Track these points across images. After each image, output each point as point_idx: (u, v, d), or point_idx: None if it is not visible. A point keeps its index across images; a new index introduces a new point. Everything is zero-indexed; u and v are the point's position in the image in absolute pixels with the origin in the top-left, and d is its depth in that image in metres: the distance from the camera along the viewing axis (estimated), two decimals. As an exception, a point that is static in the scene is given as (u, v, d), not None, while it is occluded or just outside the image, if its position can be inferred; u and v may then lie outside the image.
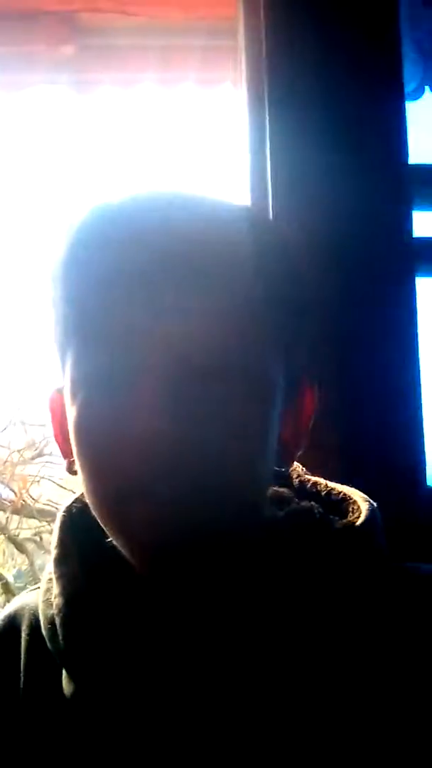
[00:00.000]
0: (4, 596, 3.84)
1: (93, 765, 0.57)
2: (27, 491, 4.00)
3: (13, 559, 4.39)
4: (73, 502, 0.67)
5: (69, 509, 0.66)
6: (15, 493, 4.07)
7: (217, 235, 0.56)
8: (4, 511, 3.96)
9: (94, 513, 0.58)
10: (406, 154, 1.03)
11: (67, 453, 0.60)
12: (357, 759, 0.55)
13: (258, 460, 0.57)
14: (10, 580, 4.02)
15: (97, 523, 0.58)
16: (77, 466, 0.58)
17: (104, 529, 0.58)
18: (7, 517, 3.94)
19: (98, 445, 0.56)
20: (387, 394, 1.00)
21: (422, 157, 1.06)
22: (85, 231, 0.58)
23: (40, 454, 4.16)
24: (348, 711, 0.56)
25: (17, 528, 3.98)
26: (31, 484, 4.05)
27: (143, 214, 0.56)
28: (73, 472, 0.60)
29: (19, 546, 3.94)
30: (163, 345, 0.54)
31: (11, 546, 4.17)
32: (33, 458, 4.22)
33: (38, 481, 4.08)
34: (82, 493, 0.63)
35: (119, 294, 0.55)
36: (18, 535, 4.00)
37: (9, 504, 3.96)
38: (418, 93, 1.26)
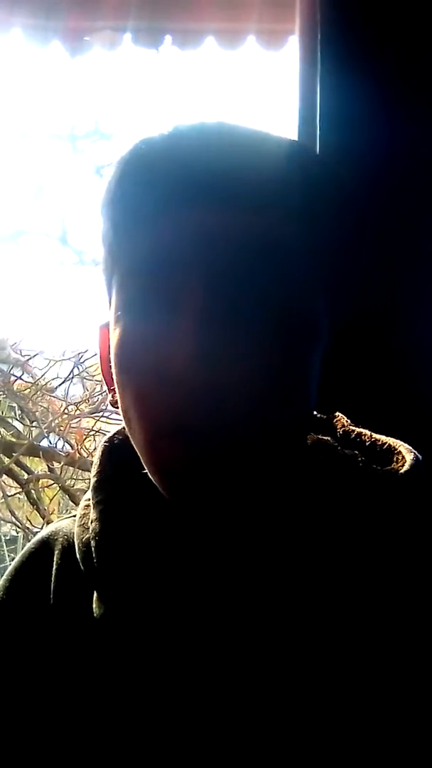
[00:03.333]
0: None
1: (118, 686, 0.58)
2: (82, 444, 4.07)
3: (66, 509, 4.50)
4: (116, 434, 0.68)
5: (111, 440, 0.68)
6: (71, 446, 4.14)
7: (262, 165, 0.56)
8: (59, 462, 4.05)
9: (132, 441, 0.59)
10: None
11: (111, 386, 0.61)
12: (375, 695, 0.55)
13: (293, 402, 0.57)
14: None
15: (136, 453, 0.59)
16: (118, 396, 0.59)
17: (140, 458, 0.58)
18: (62, 468, 4.02)
19: (135, 372, 0.57)
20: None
21: None
22: (130, 163, 0.58)
23: (96, 410, 4.22)
24: (366, 652, 0.56)
25: (71, 479, 4.06)
26: (86, 437, 4.12)
27: (187, 145, 0.56)
28: (116, 405, 0.60)
29: (72, 497, 4.02)
30: (203, 275, 0.54)
31: (66, 497, 4.26)
32: (90, 413, 4.28)
33: (93, 435, 4.14)
34: (123, 427, 0.65)
35: (163, 222, 0.55)
36: (73, 486, 4.08)
37: (64, 455, 4.04)
38: None
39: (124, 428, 0.66)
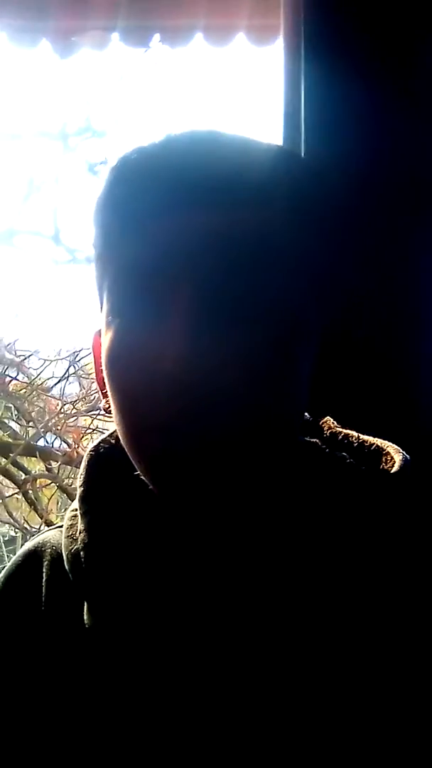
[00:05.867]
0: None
1: (111, 695, 0.58)
2: (80, 443, 4.07)
3: (64, 508, 4.50)
4: (101, 442, 0.68)
5: (96, 448, 0.68)
6: (68, 445, 4.15)
7: (250, 170, 0.57)
8: (56, 461, 4.05)
9: (122, 442, 0.59)
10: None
11: (105, 391, 0.61)
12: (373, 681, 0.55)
13: (282, 402, 0.57)
14: (62, 527, 4.10)
15: (126, 459, 0.59)
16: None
17: (131, 460, 0.59)
18: (59, 467, 4.02)
19: (126, 372, 0.57)
20: (425, 348, 0.98)
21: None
22: (120, 170, 0.59)
23: (93, 408, 4.22)
24: (353, 641, 0.56)
25: (69, 477, 4.07)
26: (83, 436, 4.12)
27: (177, 151, 0.58)
28: (109, 411, 0.61)
29: (71, 496, 4.02)
30: (193, 276, 0.55)
31: (63, 496, 4.27)
32: (87, 411, 4.28)
33: (91, 434, 4.15)
34: (110, 434, 0.66)
35: (151, 224, 0.56)
36: (71, 485, 4.09)
37: (61, 455, 4.04)
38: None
39: (108, 436, 0.67)
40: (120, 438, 0.60)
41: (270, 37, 1.59)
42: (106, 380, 0.59)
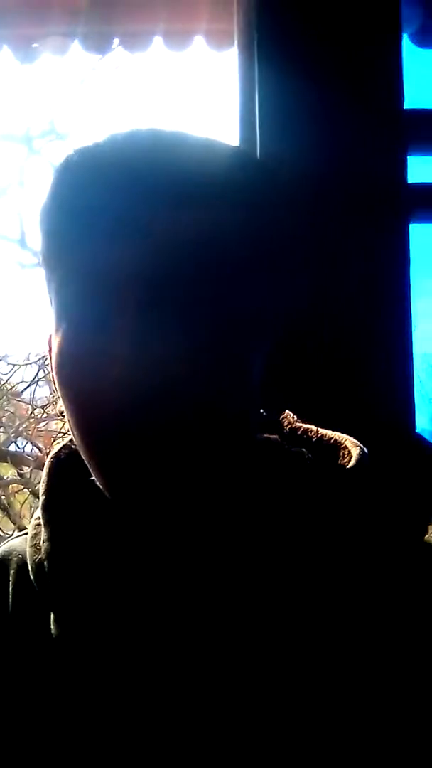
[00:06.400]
0: (28, 549, 3.90)
1: (78, 705, 0.58)
2: (51, 447, 4.06)
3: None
4: (62, 448, 0.67)
5: (57, 455, 0.67)
6: (40, 450, 4.13)
7: (201, 166, 0.56)
8: (28, 466, 4.03)
9: (76, 445, 0.59)
10: (401, 99, 1.02)
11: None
12: (350, 684, 0.56)
13: (233, 400, 0.57)
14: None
15: (85, 466, 0.59)
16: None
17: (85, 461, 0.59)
18: (31, 472, 4.00)
19: (75, 373, 0.57)
20: (377, 343, 1.00)
21: (418, 101, 1.05)
22: (63, 171, 0.59)
23: (63, 411, 4.21)
24: (320, 648, 0.56)
25: (39, 482, 4.05)
26: (55, 440, 4.11)
27: (120, 150, 0.57)
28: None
29: (43, 500, 4.01)
30: (137, 277, 0.54)
31: (36, 500, 4.25)
32: (57, 415, 4.27)
33: (62, 437, 4.13)
34: (71, 439, 0.64)
35: (95, 225, 0.56)
36: (42, 490, 4.06)
37: (33, 459, 4.02)
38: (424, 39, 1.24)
39: (69, 441, 0.66)
40: (74, 439, 0.59)
41: (227, 42, 1.60)
42: (56, 380, 0.59)
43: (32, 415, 4.21)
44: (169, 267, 0.54)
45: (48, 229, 0.60)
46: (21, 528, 3.93)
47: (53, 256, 0.60)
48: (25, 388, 4.28)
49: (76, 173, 0.58)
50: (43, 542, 0.61)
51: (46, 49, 1.71)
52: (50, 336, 0.62)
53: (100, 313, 0.55)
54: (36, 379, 4.24)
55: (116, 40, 1.71)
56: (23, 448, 4.26)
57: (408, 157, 1.03)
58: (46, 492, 0.64)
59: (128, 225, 0.55)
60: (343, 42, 0.99)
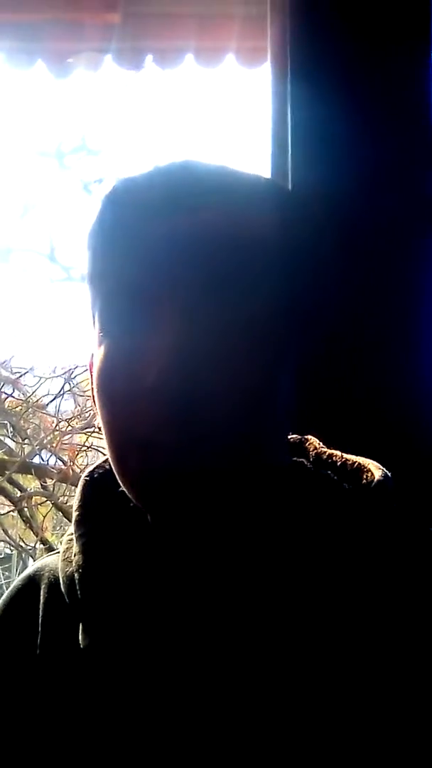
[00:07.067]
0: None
1: (105, 715, 0.59)
2: (75, 460, 4.08)
3: (60, 526, 4.49)
4: (96, 468, 0.70)
5: (91, 473, 0.69)
6: (64, 462, 4.15)
7: (234, 205, 0.59)
8: (52, 479, 4.05)
9: (110, 461, 0.61)
10: (430, 114, 1.01)
11: None
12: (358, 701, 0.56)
13: (263, 418, 0.59)
14: (58, 546, 4.08)
15: (118, 485, 0.61)
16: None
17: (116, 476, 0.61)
18: (54, 484, 4.02)
19: (112, 388, 0.59)
20: (408, 361, 1.00)
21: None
22: (109, 197, 0.62)
23: (88, 425, 4.23)
24: (338, 661, 0.57)
25: (64, 495, 4.06)
26: (79, 453, 4.12)
27: (161, 179, 0.61)
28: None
29: (66, 513, 4.01)
30: (174, 296, 0.57)
31: (59, 514, 4.26)
32: (82, 428, 4.29)
33: (86, 451, 4.15)
34: (104, 460, 0.68)
35: (135, 247, 0.59)
36: (66, 503, 4.08)
37: (57, 472, 4.04)
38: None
39: (103, 462, 0.69)
40: (107, 452, 0.61)
41: (259, 59, 1.62)
42: (95, 396, 0.61)
43: (57, 427, 4.23)
44: (204, 287, 0.57)
45: (94, 248, 0.63)
46: (43, 540, 3.95)
47: (98, 274, 0.62)
48: (51, 401, 4.31)
49: (119, 200, 0.62)
50: (75, 555, 0.63)
51: (80, 64, 1.73)
52: (92, 355, 0.64)
53: (139, 330, 0.58)
54: (61, 392, 4.27)
55: (149, 56, 1.73)
56: (47, 460, 4.28)
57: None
58: (80, 508, 0.67)
59: (165, 248, 0.58)
60: (375, 59, 1.00)
